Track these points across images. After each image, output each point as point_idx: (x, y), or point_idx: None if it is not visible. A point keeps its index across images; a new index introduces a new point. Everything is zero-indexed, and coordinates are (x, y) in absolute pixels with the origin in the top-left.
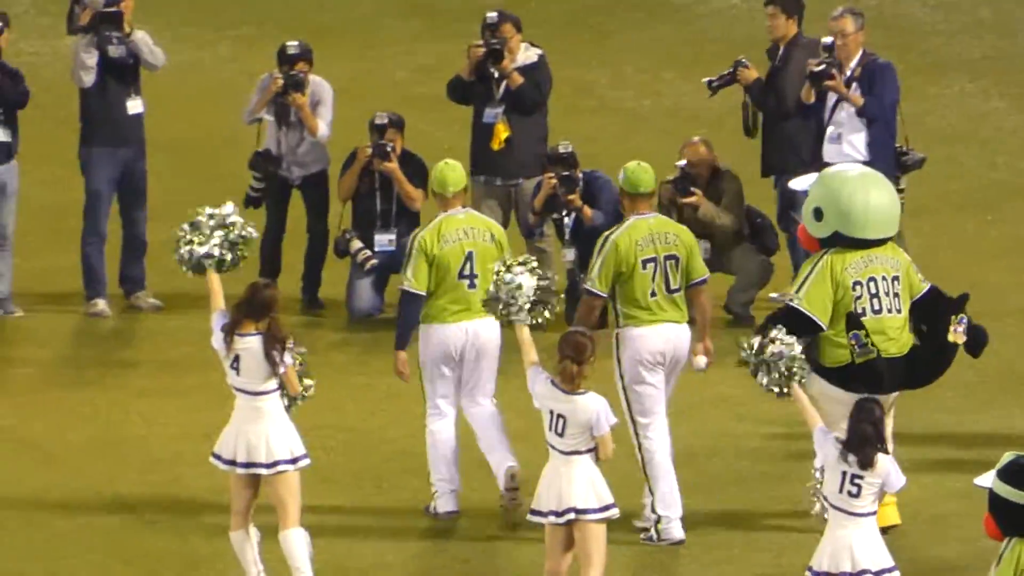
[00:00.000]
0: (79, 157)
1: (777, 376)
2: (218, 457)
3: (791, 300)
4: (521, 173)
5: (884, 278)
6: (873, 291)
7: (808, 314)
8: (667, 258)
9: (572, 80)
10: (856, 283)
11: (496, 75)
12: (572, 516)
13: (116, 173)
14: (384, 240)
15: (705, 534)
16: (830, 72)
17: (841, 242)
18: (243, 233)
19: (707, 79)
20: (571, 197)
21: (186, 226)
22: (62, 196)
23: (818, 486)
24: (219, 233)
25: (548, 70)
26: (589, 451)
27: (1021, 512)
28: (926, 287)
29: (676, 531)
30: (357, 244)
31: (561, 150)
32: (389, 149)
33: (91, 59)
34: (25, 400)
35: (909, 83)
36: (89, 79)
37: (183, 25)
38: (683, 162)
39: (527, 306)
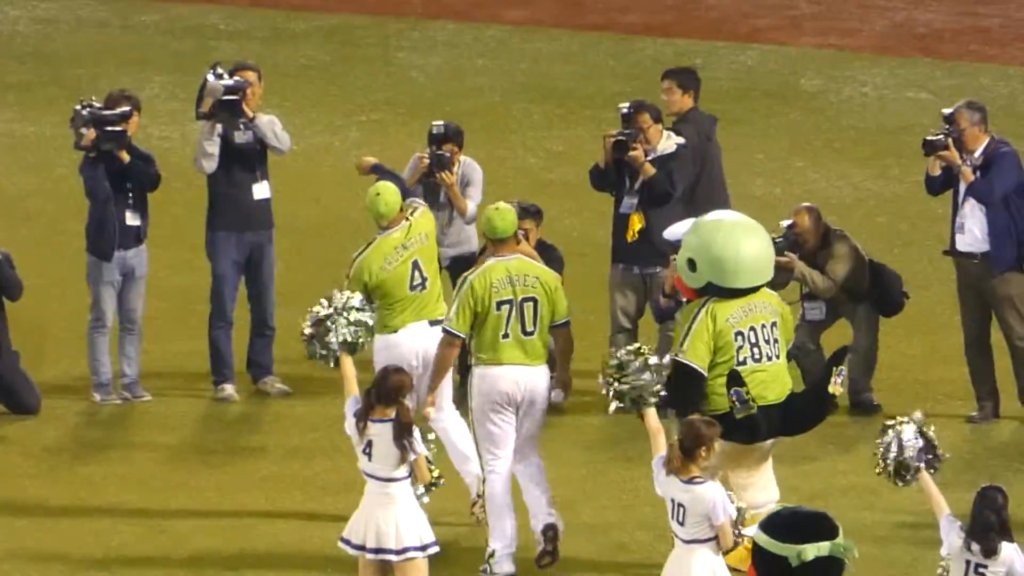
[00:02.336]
0: (206, 241)
1: (629, 402)
2: (347, 542)
3: (676, 355)
4: (658, 262)
5: (764, 325)
6: (753, 340)
7: (694, 366)
8: (524, 300)
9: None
10: (738, 333)
11: (631, 166)
12: None
13: (242, 257)
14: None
15: None
16: (944, 142)
17: (715, 292)
18: (362, 316)
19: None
20: None
21: (311, 316)
22: (191, 280)
23: (945, 574)
24: (343, 319)
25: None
26: (710, 540)
27: (782, 563)
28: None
29: (506, 566)
30: None
31: None
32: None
33: (212, 146)
34: (153, 484)
35: None
36: (210, 166)
37: (313, 109)
38: (788, 222)
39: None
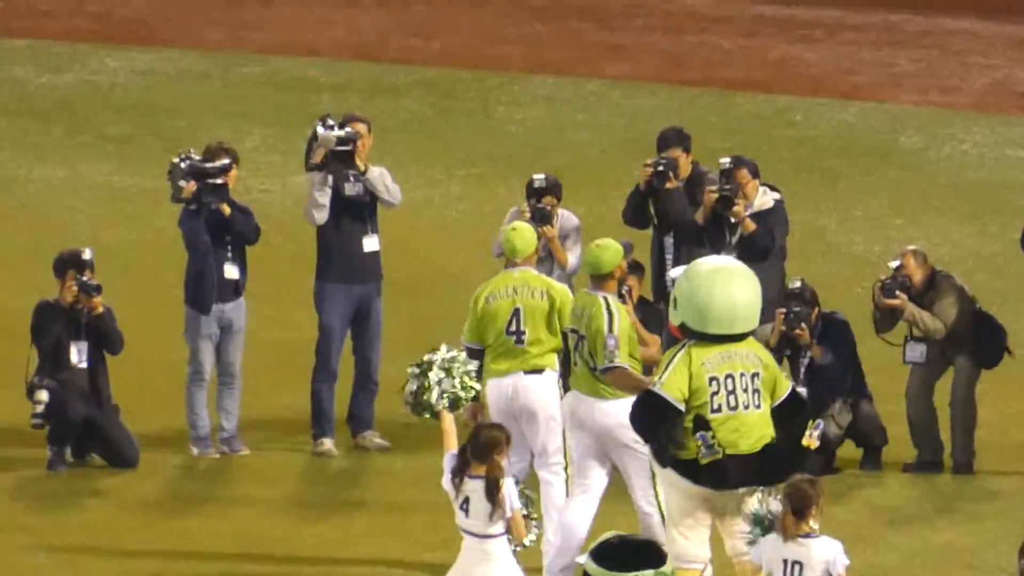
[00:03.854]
0: (314, 292)
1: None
2: None
3: (653, 385)
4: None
5: (743, 374)
6: (730, 387)
7: (668, 398)
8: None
9: (802, 224)
10: (712, 378)
11: (730, 221)
12: None
13: (350, 310)
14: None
15: None
16: None
17: (689, 334)
18: (467, 370)
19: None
20: (797, 333)
21: (413, 370)
22: (290, 334)
23: None
24: (442, 374)
25: (784, 215)
26: None
27: None
28: (789, 387)
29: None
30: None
31: (791, 286)
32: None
33: (323, 197)
34: (250, 539)
35: None
36: (321, 217)
37: (413, 163)
38: (896, 263)
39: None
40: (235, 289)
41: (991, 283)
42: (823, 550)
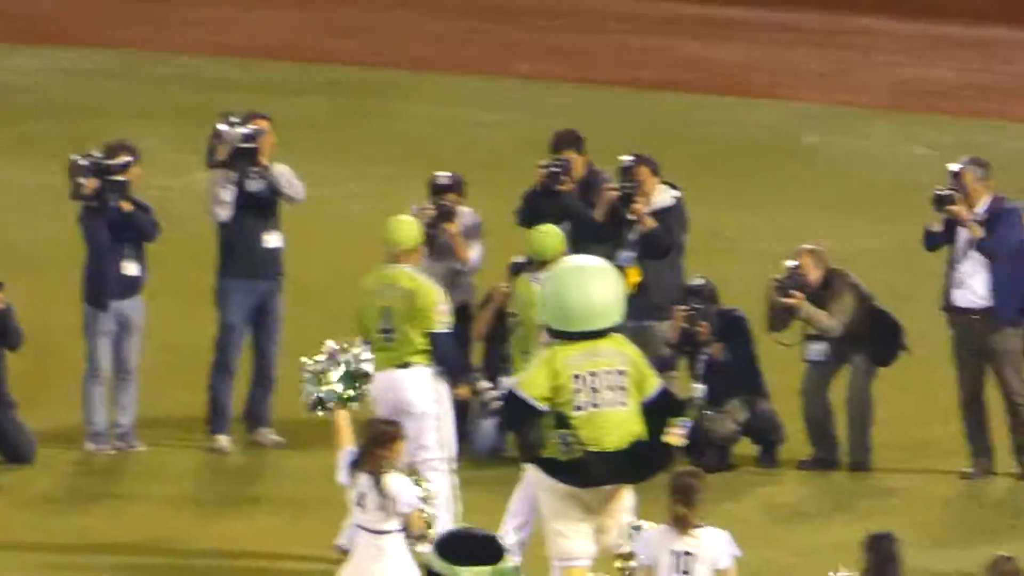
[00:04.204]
0: (216, 289)
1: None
2: None
3: (512, 385)
4: (652, 316)
5: (608, 371)
6: (594, 385)
7: (525, 398)
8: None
9: (703, 222)
10: (576, 376)
11: (629, 218)
12: None
13: (251, 307)
14: (510, 384)
15: None
16: (954, 198)
17: (554, 334)
18: (358, 366)
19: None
20: (698, 329)
21: (309, 365)
22: (187, 331)
23: None
24: (340, 370)
25: (683, 213)
26: None
27: None
28: (659, 385)
29: None
30: (484, 384)
31: (692, 282)
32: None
33: (227, 195)
34: (146, 534)
35: None
36: (225, 214)
37: (312, 162)
38: (792, 263)
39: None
40: (133, 286)
41: (891, 281)
42: (712, 540)
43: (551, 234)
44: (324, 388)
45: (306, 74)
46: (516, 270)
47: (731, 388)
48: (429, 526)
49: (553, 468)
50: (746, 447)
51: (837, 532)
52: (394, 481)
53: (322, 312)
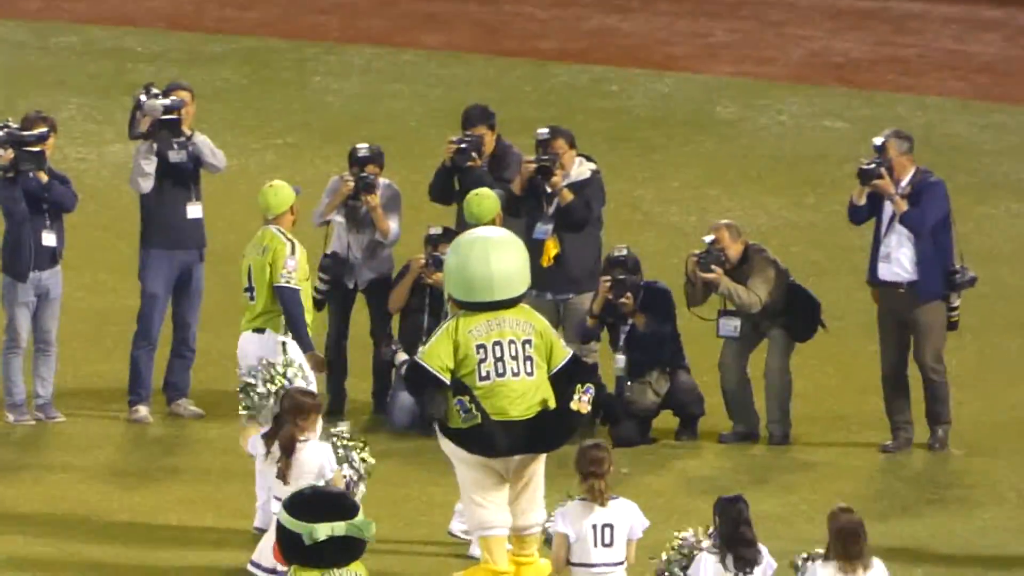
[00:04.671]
0: (139, 260)
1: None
2: (257, 565)
3: (417, 355)
4: (571, 289)
5: (512, 341)
6: (498, 354)
7: (427, 367)
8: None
9: (618, 194)
10: (480, 346)
11: (547, 191)
12: None
13: (173, 277)
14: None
15: None
16: (879, 171)
17: (459, 305)
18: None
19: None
20: (623, 301)
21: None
22: (106, 301)
23: None
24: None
25: (601, 186)
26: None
27: (297, 540)
28: (568, 355)
29: None
30: (402, 356)
31: (616, 253)
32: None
33: (149, 166)
34: (64, 505)
35: (957, 203)
36: (147, 185)
37: (229, 132)
38: (711, 238)
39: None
40: (52, 257)
41: (807, 255)
42: (627, 511)
43: (488, 197)
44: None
45: (215, 44)
46: (431, 241)
47: (652, 360)
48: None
49: (460, 438)
50: (666, 421)
51: (757, 505)
52: (311, 448)
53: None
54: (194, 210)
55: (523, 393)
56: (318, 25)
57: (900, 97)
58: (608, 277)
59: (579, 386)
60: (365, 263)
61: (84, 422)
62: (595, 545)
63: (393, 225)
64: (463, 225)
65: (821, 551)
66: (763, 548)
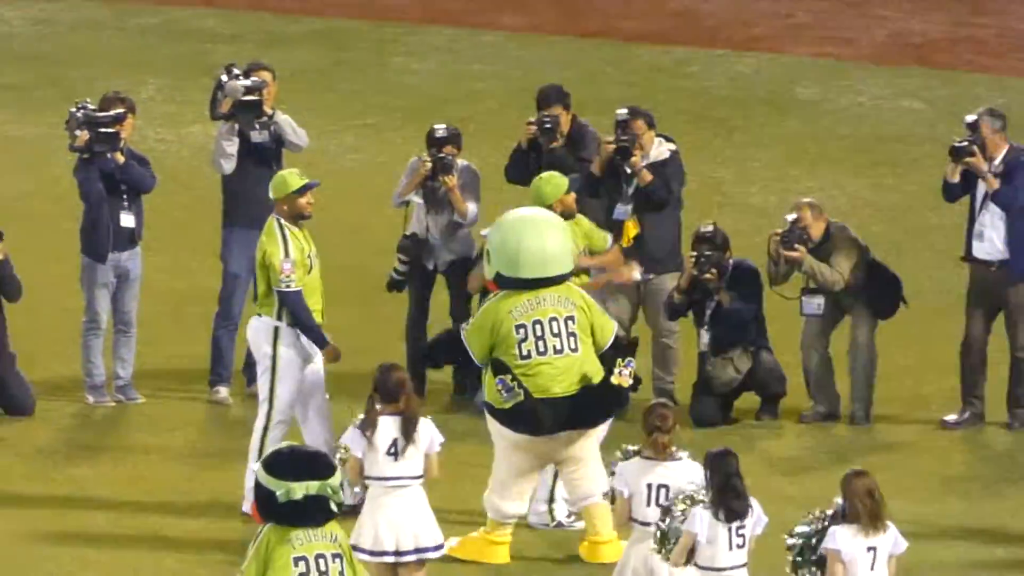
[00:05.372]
0: (221, 240)
1: None
2: (359, 549)
3: (463, 327)
4: (652, 269)
5: (554, 319)
6: (539, 333)
7: (467, 347)
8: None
9: (698, 175)
10: (520, 326)
11: (626, 171)
12: None
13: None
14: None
15: None
16: (971, 149)
17: (504, 283)
18: None
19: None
20: (707, 276)
21: None
22: (187, 283)
23: None
24: None
25: (680, 166)
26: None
27: (273, 497)
28: (615, 326)
29: None
30: None
31: (703, 229)
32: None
33: (231, 147)
34: (145, 486)
35: None
36: (230, 166)
37: (308, 114)
38: (792, 216)
39: None
40: (131, 238)
41: (886, 234)
42: (688, 472)
43: (553, 180)
44: None
45: (294, 25)
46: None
47: (736, 338)
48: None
49: (506, 418)
50: (746, 401)
51: (836, 486)
52: (424, 423)
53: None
54: None
55: (566, 370)
56: (398, 6)
57: (978, 78)
58: (694, 253)
59: (619, 360)
60: (444, 244)
61: (164, 403)
62: (647, 504)
63: (472, 206)
64: (611, 219)
65: (830, 512)
66: (754, 501)
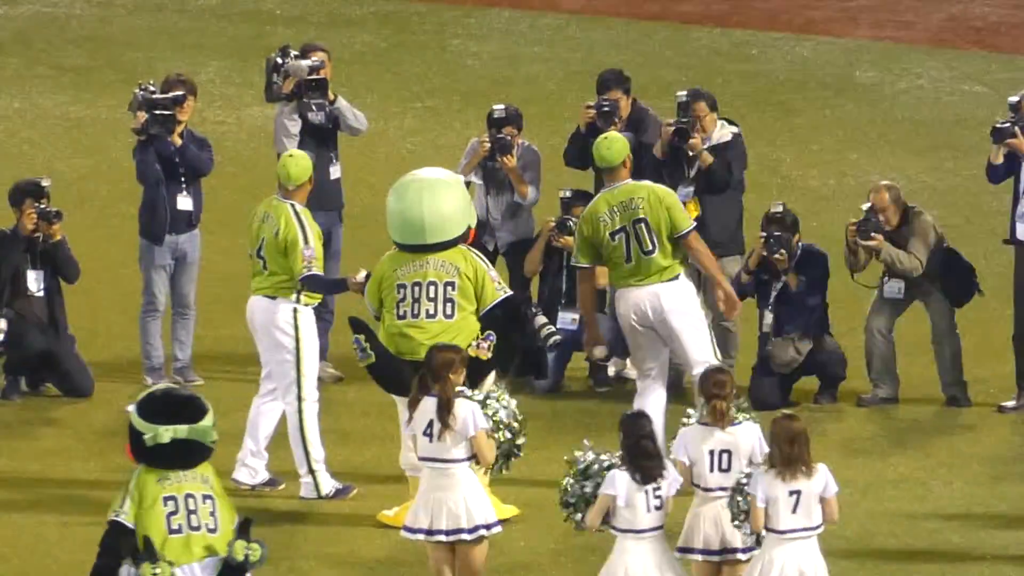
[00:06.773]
0: None
1: None
2: (410, 530)
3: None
4: (714, 250)
5: (433, 283)
6: (416, 295)
7: (367, 298)
8: (635, 223)
9: (758, 158)
10: (400, 285)
11: (688, 154)
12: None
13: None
14: (567, 318)
15: None
16: (1012, 130)
17: (395, 245)
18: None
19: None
20: (776, 257)
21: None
22: (245, 265)
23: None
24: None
25: (743, 148)
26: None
27: (142, 440)
28: (499, 297)
29: None
30: (541, 320)
31: (773, 210)
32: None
33: (294, 127)
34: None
35: None
36: (293, 146)
37: (368, 96)
38: (868, 204)
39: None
40: (189, 220)
41: (946, 219)
42: (748, 435)
43: (615, 141)
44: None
45: (354, 7)
46: (565, 205)
47: (797, 320)
48: (517, 442)
49: (375, 377)
50: (805, 383)
51: (896, 468)
52: (463, 406)
53: (378, 246)
54: (335, 171)
55: (437, 335)
56: None
57: None
58: (764, 233)
59: (480, 333)
60: (504, 225)
61: (222, 385)
62: (711, 470)
63: (531, 187)
64: (601, 189)
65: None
66: (669, 463)
